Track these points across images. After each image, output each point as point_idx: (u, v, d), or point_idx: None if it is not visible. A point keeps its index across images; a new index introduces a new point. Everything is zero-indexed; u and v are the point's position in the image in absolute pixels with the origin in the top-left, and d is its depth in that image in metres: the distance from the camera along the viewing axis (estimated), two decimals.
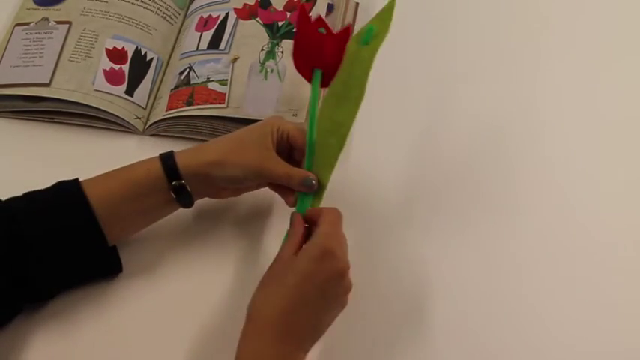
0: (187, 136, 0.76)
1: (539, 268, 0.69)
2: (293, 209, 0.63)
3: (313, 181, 0.61)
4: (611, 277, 0.68)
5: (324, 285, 0.55)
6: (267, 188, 0.67)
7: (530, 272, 0.68)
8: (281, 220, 0.67)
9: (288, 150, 0.65)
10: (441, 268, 0.68)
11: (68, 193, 0.61)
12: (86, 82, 0.76)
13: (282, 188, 0.65)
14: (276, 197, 0.67)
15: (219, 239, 0.69)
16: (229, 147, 0.63)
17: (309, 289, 0.54)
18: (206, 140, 0.75)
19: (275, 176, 0.62)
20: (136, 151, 0.76)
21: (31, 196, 0.61)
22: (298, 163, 0.64)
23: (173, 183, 0.61)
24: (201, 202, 0.66)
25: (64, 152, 0.75)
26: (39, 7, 0.81)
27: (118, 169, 0.63)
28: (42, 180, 0.72)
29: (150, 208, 0.63)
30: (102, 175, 0.62)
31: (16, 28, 0.80)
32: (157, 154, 0.61)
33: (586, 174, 0.75)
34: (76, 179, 0.62)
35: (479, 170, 0.75)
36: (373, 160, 0.75)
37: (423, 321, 0.65)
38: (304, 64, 0.63)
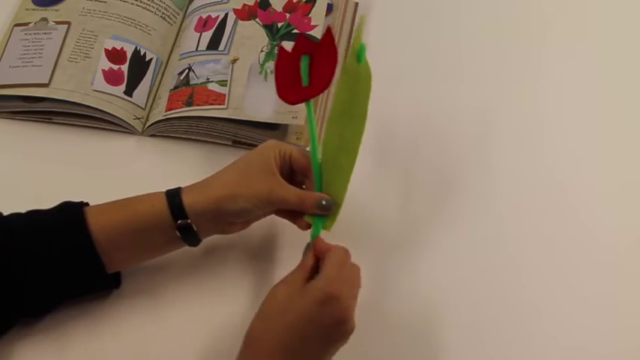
0: (186, 137, 0.76)
1: (542, 271, 0.69)
2: (300, 234, 0.62)
3: (325, 202, 0.60)
4: (612, 277, 0.68)
5: (325, 330, 0.54)
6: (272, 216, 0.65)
7: (533, 276, 0.68)
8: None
9: (290, 173, 0.63)
10: (441, 270, 0.68)
11: (70, 217, 0.59)
12: (85, 82, 0.76)
13: (291, 214, 0.63)
14: (282, 227, 0.66)
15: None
16: (236, 179, 0.61)
17: (310, 332, 0.54)
18: (205, 141, 0.76)
19: (287, 202, 0.61)
20: (135, 152, 0.76)
21: (33, 215, 0.60)
22: (299, 185, 0.63)
23: (179, 222, 0.60)
24: None
25: (63, 153, 0.75)
26: (38, 8, 0.81)
27: (125, 199, 0.61)
28: (41, 181, 0.72)
29: (152, 243, 0.61)
30: (107, 204, 0.61)
31: (15, 28, 0.80)
32: (156, 155, 0.59)
33: (587, 173, 0.75)
34: (81, 202, 0.61)
35: (479, 171, 0.75)
36: (370, 164, 0.74)
37: (428, 330, 0.65)
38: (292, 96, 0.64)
